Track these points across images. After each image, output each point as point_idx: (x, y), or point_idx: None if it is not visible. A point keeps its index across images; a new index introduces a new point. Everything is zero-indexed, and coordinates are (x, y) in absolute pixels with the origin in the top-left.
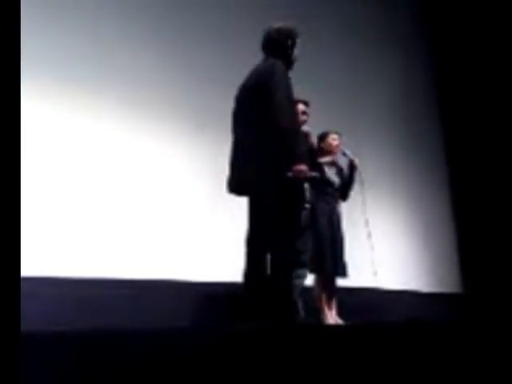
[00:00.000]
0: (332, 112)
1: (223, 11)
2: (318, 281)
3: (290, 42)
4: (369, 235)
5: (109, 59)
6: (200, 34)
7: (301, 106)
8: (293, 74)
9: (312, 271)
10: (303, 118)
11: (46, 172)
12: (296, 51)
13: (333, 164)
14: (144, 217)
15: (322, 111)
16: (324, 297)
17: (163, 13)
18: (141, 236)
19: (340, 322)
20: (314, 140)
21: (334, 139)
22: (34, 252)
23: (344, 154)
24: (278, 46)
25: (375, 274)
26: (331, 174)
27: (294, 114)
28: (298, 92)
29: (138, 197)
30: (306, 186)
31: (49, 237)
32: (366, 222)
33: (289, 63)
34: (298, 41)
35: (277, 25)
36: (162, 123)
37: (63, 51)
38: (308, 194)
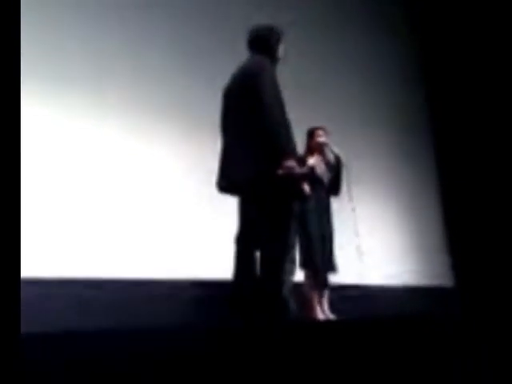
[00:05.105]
0: (324, 113)
1: (215, 12)
2: (308, 276)
3: (275, 40)
4: (354, 215)
5: (103, 62)
6: (190, 32)
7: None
8: (287, 78)
9: (302, 267)
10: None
11: (42, 173)
12: (281, 49)
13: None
14: (142, 217)
15: (314, 111)
16: (315, 292)
17: (159, 16)
18: (139, 236)
19: (331, 317)
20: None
21: (320, 136)
22: (33, 254)
23: (331, 151)
24: (265, 43)
25: (361, 256)
26: (321, 170)
27: (283, 109)
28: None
29: (137, 197)
30: (305, 183)
31: (48, 239)
32: (351, 201)
33: (274, 60)
34: (283, 38)
35: (262, 23)
36: (159, 123)
37: (59, 52)
38: (307, 190)
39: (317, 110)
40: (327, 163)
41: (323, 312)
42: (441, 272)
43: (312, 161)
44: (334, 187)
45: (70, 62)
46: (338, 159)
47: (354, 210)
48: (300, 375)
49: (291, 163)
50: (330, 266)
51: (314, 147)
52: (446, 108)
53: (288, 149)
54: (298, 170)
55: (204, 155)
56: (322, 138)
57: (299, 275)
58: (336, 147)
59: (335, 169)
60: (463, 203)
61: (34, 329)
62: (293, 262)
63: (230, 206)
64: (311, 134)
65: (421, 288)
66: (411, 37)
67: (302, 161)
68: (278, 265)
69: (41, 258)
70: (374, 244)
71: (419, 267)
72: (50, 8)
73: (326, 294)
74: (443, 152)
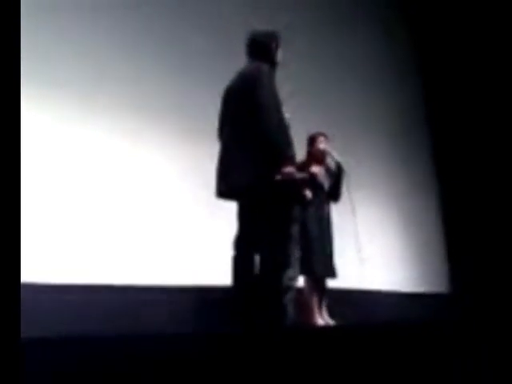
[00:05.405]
0: (322, 118)
1: (211, 14)
2: (307, 282)
3: (273, 45)
4: (354, 222)
5: (97, 65)
6: (186, 35)
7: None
8: (284, 81)
9: (302, 273)
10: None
11: (38, 178)
12: (279, 54)
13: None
14: (139, 222)
15: (312, 115)
16: (314, 298)
17: (154, 18)
18: (136, 241)
19: (331, 322)
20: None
21: (321, 142)
22: (32, 259)
23: (332, 157)
24: (263, 49)
25: (361, 261)
26: (322, 176)
27: (281, 114)
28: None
29: (133, 202)
30: (307, 189)
31: (46, 244)
32: (352, 208)
33: (273, 65)
34: (281, 43)
35: (260, 28)
36: (154, 127)
37: (52, 55)
38: (309, 196)
39: (315, 114)
40: (328, 170)
41: (322, 317)
42: (439, 278)
43: (313, 168)
44: (334, 193)
45: (64, 65)
46: (338, 166)
47: (355, 222)
48: (299, 381)
49: (290, 169)
50: (330, 272)
51: (314, 154)
52: (446, 113)
53: (286, 154)
54: (298, 175)
55: (200, 159)
56: (322, 145)
57: (299, 281)
58: (337, 154)
59: (336, 175)
60: (462, 210)
61: (32, 334)
62: (294, 268)
63: (227, 209)
64: (312, 140)
65: (419, 294)
66: (409, 40)
67: (301, 167)
68: (278, 269)
69: (39, 263)
70: (374, 250)
71: (418, 273)
72: (44, 12)
73: (325, 299)
74: (443, 158)
